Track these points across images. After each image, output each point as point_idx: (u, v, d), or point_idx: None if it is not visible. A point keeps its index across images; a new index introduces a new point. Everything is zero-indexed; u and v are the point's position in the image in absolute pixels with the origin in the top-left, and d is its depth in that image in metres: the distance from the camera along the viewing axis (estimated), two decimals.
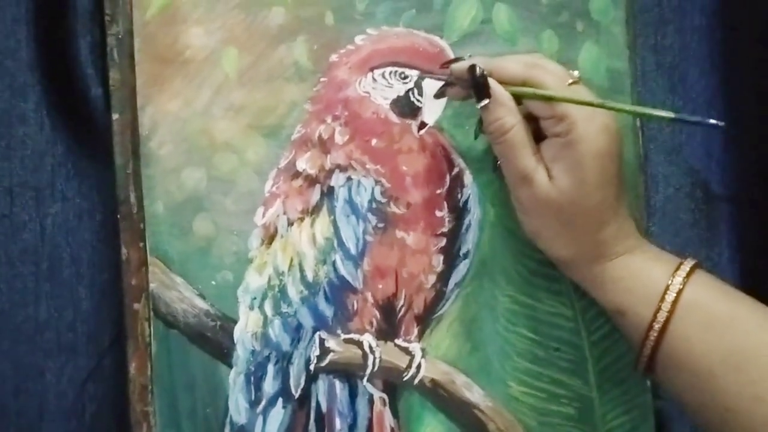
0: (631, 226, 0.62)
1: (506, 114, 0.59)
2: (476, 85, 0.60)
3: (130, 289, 0.64)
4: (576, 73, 0.62)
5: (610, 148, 0.59)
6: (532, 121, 0.61)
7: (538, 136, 0.61)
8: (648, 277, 0.59)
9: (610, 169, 0.59)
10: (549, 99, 0.59)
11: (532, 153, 0.59)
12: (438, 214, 0.65)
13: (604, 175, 0.59)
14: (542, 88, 0.59)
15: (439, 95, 0.64)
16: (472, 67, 0.60)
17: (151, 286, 0.64)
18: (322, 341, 0.64)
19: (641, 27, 0.68)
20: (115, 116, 0.64)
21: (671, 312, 0.58)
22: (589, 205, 0.59)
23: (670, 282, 0.58)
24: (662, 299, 0.58)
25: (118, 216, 0.63)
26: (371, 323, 0.65)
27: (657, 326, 0.58)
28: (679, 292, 0.58)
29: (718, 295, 0.59)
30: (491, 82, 0.60)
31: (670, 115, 0.58)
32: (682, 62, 0.68)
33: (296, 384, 0.64)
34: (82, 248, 0.66)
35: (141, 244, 0.64)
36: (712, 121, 0.57)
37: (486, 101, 0.60)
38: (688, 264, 0.59)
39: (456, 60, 0.62)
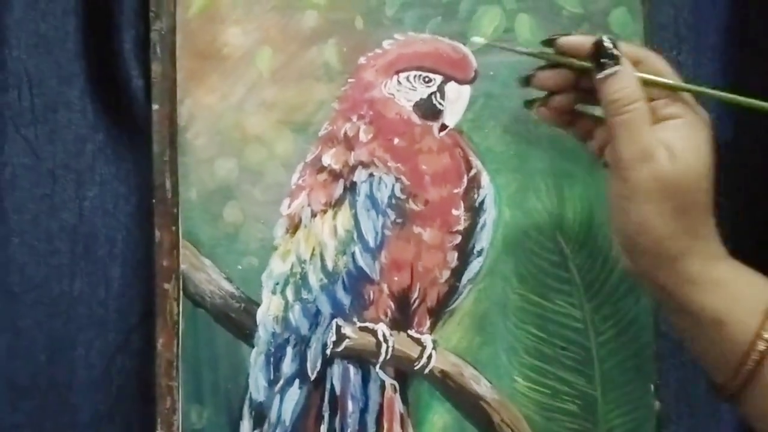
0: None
1: (636, 84, 0.57)
2: (606, 51, 0.58)
3: (162, 270, 0.67)
4: None
5: (710, 136, 0.59)
6: None
7: None
8: (751, 286, 0.56)
9: (713, 158, 0.58)
10: (670, 87, 0.59)
11: (654, 130, 0.57)
12: (454, 212, 0.68)
13: (713, 162, 0.58)
14: (658, 71, 0.59)
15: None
16: (601, 38, 0.58)
17: (182, 267, 0.67)
18: (338, 328, 0.67)
19: (658, 44, 0.70)
20: (155, 107, 0.67)
21: None
22: (705, 189, 0.57)
23: None
24: None
25: (154, 200, 0.67)
26: (386, 313, 0.68)
27: (766, 336, 0.54)
28: None
29: None
30: (622, 51, 0.58)
31: None
32: (696, 79, 0.70)
33: (313, 366, 0.67)
34: (116, 229, 0.70)
35: (174, 228, 0.67)
36: None
37: (617, 68, 0.57)
38: None
39: (561, 35, 0.62)
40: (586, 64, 0.60)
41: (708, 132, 0.59)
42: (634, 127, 0.57)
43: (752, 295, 0.56)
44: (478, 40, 0.66)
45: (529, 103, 0.65)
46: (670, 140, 0.57)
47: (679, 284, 0.57)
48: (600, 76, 0.58)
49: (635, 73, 0.59)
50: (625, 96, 0.58)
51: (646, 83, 0.59)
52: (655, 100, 0.59)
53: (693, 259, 0.57)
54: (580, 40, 0.61)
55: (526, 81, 0.64)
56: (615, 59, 0.58)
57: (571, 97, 0.64)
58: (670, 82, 0.60)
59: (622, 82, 0.58)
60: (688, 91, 0.60)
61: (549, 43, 0.63)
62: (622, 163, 0.57)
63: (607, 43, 0.59)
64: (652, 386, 0.68)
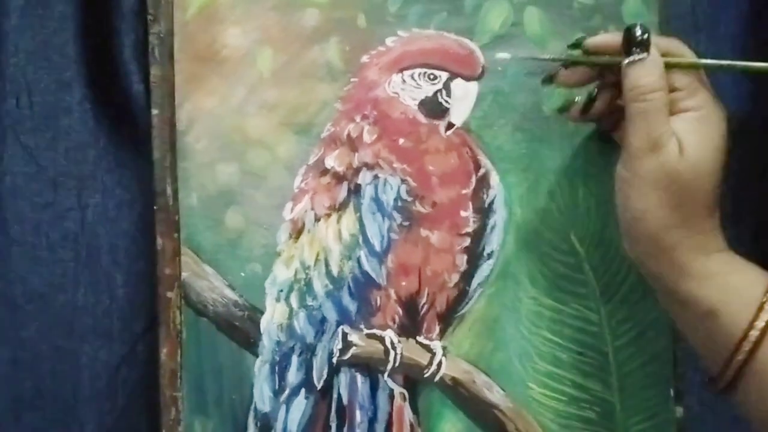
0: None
1: (660, 74, 0.58)
2: (637, 39, 0.59)
3: (164, 278, 0.66)
4: None
5: (727, 132, 0.59)
6: None
7: None
8: (746, 279, 0.57)
9: (727, 153, 0.59)
10: (696, 65, 0.60)
11: (669, 122, 0.58)
12: (463, 214, 0.66)
13: (724, 158, 0.59)
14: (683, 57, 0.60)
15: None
16: (633, 25, 0.60)
17: (184, 275, 0.66)
18: (345, 335, 0.65)
19: (674, 34, 0.67)
20: (155, 112, 0.66)
21: None
22: (710, 185, 0.58)
23: None
24: (765, 302, 0.56)
25: (155, 207, 0.66)
26: (394, 319, 0.66)
27: (758, 328, 0.55)
28: None
29: None
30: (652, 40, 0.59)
31: None
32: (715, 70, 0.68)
33: (319, 376, 0.66)
34: (120, 237, 0.69)
35: (176, 235, 0.66)
36: None
37: (644, 56, 0.58)
38: None
39: (584, 37, 0.63)
40: (611, 60, 0.61)
41: (724, 128, 0.59)
42: (650, 117, 0.58)
43: (746, 287, 0.57)
44: (503, 55, 0.65)
45: (562, 110, 0.65)
46: (683, 133, 0.58)
47: (674, 275, 0.58)
48: (627, 61, 0.59)
49: (661, 60, 0.59)
50: (647, 84, 0.58)
51: (669, 66, 0.59)
52: (676, 91, 0.59)
53: (688, 251, 0.58)
54: (607, 38, 0.62)
55: (550, 79, 0.64)
56: (645, 47, 0.59)
57: (607, 97, 0.63)
58: (696, 60, 0.60)
59: (646, 70, 0.59)
60: (715, 67, 0.60)
61: (576, 45, 0.63)
62: (631, 150, 0.58)
63: (638, 31, 0.59)
64: (672, 391, 0.66)
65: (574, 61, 0.63)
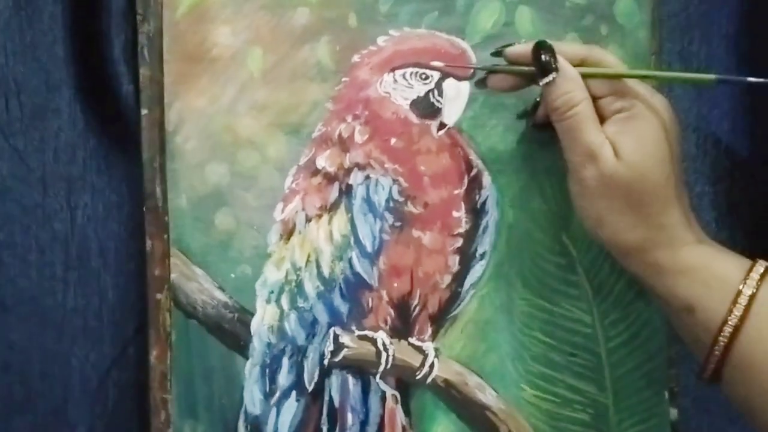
0: (693, 216, 0.60)
1: (575, 88, 0.59)
2: (542, 61, 0.59)
3: (154, 280, 0.65)
4: None
5: (672, 123, 0.59)
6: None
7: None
8: (720, 271, 0.57)
9: (673, 145, 0.59)
10: (613, 76, 0.60)
11: (598, 129, 0.58)
12: (455, 214, 0.65)
13: (669, 151, 0.58)
14: (602, 64, 0.60)
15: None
16: (540, 42, 0.60)
17: (172, 277, 0.65)
18: (336, 337, 0.65)
19: (667, 32, 0.67)
20: (144, 112, 0.65)
21: (747, 309, 0.56)
22: (656, 181, 0.58)
23: (745, 278, 0.56)
24: (738, 294, 0.56)
25: (144, 208, 0.65)
26: (385, 321, 0.65)
27: (732, 322, 0.56)
28: (756, 289, 0.56)
29: None
30: (559, 56, 0.59)
31: (712, 77, 0.59)
32: (708, 69, 0.68)
33: (310, 378, 0.65)
34: (109, 239, 0.68)
35: (165, 236, 0.65)
36: (751, 79, 0.57)
37: (553, 75, 0.59)
38: (761, 265, 0.57)
39: (507, 45, 0.63)
40: (530, 70, 0.61)
41: (662, 121, 0.59)
42: (577, 131, 0.59)
43: (722, 280, 0.57)
44: (437, 64, 0.65)
45: (521, 116, 0.65)
46: (616, 136, 0.58)
47: (648, 273, 0.59)
48: (541, 83, 0.60)
49: (576, 71, 0.59)
50: (564, 103, 0.59)
51: (586, 77, 0.59)
52: (602, 97, 0.59)
53: (654, 249, 0.58)
54: (526, 48, 0.61)
55: (482, 83, 0.65)
56: (552, 66, 0.59)
57: None
58: (610, 70, 0.60)
59: (561, 89, 0.59)
60: (627, 77, 0.60)
61: (498, 54, 0.63)
62: (570, 165, 0.59)
63: (543, 51, 0.60)
64: (667, 393, 0.66)
65: (496, 71, 0.63)
